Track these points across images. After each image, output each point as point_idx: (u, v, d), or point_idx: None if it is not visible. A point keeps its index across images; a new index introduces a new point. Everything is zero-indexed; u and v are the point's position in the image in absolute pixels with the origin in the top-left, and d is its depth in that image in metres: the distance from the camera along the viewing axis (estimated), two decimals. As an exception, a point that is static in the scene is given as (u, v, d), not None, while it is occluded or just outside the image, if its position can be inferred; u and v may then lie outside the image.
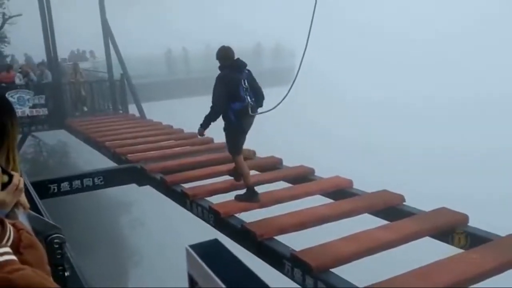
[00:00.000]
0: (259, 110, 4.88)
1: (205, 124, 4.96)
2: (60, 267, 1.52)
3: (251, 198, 4.95)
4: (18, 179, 1.24)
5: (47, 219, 1.67)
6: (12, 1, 15.33)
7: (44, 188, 6.29)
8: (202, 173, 6.26)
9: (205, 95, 5.38)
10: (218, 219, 4.77)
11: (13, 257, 0.76)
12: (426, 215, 4.47)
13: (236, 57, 4.83)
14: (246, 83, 4.73)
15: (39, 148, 17.61)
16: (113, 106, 12.78)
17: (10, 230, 0.86)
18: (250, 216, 4.75)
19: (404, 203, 4.86)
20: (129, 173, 6.93)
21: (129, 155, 7.51)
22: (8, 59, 15.85)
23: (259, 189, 5.52)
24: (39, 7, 11.57)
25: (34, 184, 6.49)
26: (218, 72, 4.77)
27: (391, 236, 3.98)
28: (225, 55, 4.79)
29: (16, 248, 0.85)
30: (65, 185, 6.40)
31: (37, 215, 1.49)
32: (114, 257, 11.95)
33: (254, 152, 7.13)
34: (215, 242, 1.16)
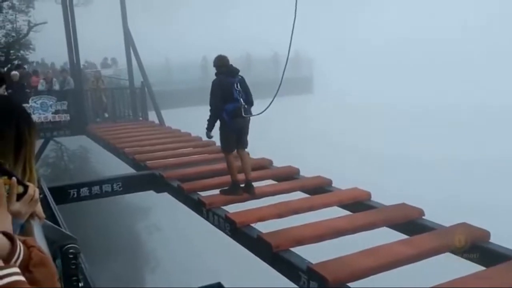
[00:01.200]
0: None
1: (210, 127, 5.49)
2: (74, 278, 1.52)
3: (234, 192, 5.45)
4: (34, 190, 1.24)
5: (63, 229, 1.68)
6: (37, 9, 15.74)
7: (64, 193, 6.40)
8: (220, 181, 6.24)
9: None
10: (234, 228, 4.75)
11: (21, 277, 0.76)
12: (447, 230, 4.37)
13: (233, 64, 5.46)
14: (238, 86, 5.28)
15: (61, 153, 17.94)
16: (133, 113, 12.94)
17: (20, 248, 0.86)
18: (268, 226, 4.72)
19: (423, 217, 4.76)
20: (147, 179, 6.99)
21: (147, 161, 7.58)
22: (34, 64, 16.22)
23: (275, 199, 5.50)
24: (63, 15, 11.82)
25: (54, 189, 6.64)
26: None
27: (411, 251, 3.89)
28: (220, 63, 5.42)
29: (25, 267, 0.84)
30: (84, 191, 6.50)
31: (53, 224, 1.49)
32: (131, 262, 12.04)
33: (270, 162, 7.11)
34: (218, 285, 1.14)
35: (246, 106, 5.25)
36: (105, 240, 11.75)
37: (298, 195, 5.90)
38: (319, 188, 5.92)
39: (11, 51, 15.93)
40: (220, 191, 5.65)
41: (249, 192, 5.47)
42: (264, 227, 4.70)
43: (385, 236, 4.52)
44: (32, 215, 1.29)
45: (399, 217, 4.77)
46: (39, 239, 1.22)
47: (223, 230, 4.97)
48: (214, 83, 5.36)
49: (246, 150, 5.64)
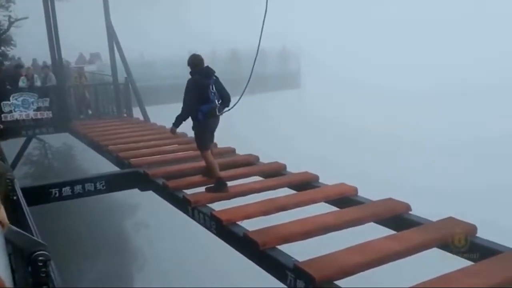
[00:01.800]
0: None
1: (177, 123, 5.66)
2: (45, 286, 1.42)
3: (220, 189, 5.44)
4: (-6, 196, 1.15)
5: (33, 234, 1.58)
6: (18, 4, 15.39)
7: (45, 193, 6.24)
8: (205, 179, 6.15)
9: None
10: (220, 226, 4.67)
11: None
12: (434, 224, 4.35)
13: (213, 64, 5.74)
14: (213, 88, 5.38)
15: (44, 150, 17.65)
16: (117, 110, 12.74)
17: None
18: (254, 224, 4.64)
19: (410, 211, 4.73)
20: (131, 177, 6.86)
21: (132, 159, 7.44)
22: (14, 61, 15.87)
23: (263, 195, 5.44)
24: (44, 10, 11.55)
25: (35, 188, 6.49)
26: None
27: (398, 246, 3.85)
28: (195, 62, 5.47)
29: None
30: (66, 190, 6.35)
31: (20, 230, 1.39)
32: (119, 260, 11.92)
33: (257, 158, 7.04)
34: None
35: (220, 106, 5.43)
36: (92, 238, 11.59)
37: (285, 191, 5.86)
38: (306, 184, 5.86)
39: (-9, 47, 15.59)
40: (206, 188, 5.62)
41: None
42: (250, 225, 4.63)
43: (372, 231, 4.48)
44: (-6, 222, 1.20)
45: (385, 212, 4.74)
46: (2, 247, 1.13)
47: (209, 228, 4.89)
48: (189, 83, 5.41)
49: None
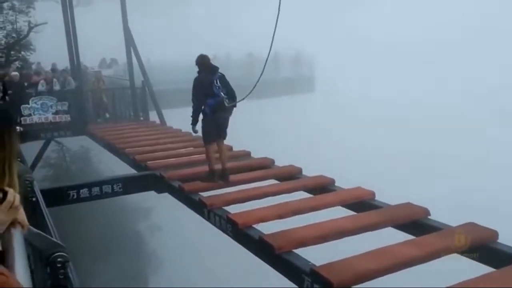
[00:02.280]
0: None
1: (194, 121, 5.91)
2: (63, 288, 1.43)
3: (211, 179, 5.96)
4: (14, 196, 1.15)
5: (50, 236, 1.59)
6: (38, 10, 15.67)
7: (63, 195, 6.31)
8: (220, 183, 6.15)
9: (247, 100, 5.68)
10: (235, 229, 4.66)
11: None
12: (453, 230, 4.26)
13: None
14: (218, 82, 5.71)
15: (62, 153, 17.91)
16: (134, 113, 12.85)
17: None
18: (270, 227, 4.61)
19: (429, 216, 4.65)
20: (148, 180, 6.90)
21: (148, 162, 7.49)
22: (34, 66, 16.18)
23: (278, 199, 5.41)
24: (63, 15, 11.75)
25: (53, 191, 6.57)
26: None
27: (417, 252, 3.78)
28: (202, 62, 5.82)
29: None
30: (84, 192, 6.42)
31: (40, 232, 1.40)
32: (133, 262, 11.98)
33: (272, 161, 7.02)
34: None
35: (227, 100, 5.67)
36: (106, 240, 11.69)
37: (301, 195, 5.82)
38: (322, 188, 5.82)
39: (12, 52, 15.88)
40: (199, 179, 6.07)
41: (224, 180, 5.98)
42: (266, 228, 4.60)
43: (390, 236, 4.42)
44: (14, 223, 1.20)
45: (404, 217, 4.67)
46: (20, 249, 1.13)
47: (225, 231, 4.88)
48: (195, 81, 5.79)
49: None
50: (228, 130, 6.04)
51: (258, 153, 7.66)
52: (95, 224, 11.81)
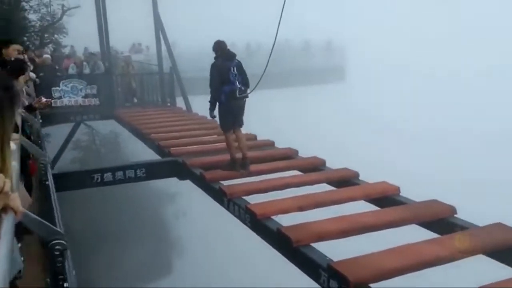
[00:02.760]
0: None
1: (212, 107, 5.85)
2: (60, 277, 1.39)
3: (233, 168, 5.87)
4: (4, 182, 1.10)
5: (56, 222, 1.55)
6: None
7: (88, 178, 6.40)
8: (242, 172, 6.09)
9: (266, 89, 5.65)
10: (254, 220, 4.59)
11: None
12: (481, 230, 4.07)
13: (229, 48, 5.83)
14: (235, 69, 5.63)
15: (92, 137, 18.29)
16: (161, 99, 12.92)
17: None
18: (290, 219, 4.52)
19: (455, 215, 4.46)
20: (170, 166, 6.92)
21: (172, 148, 7.50)
22: (67, 49, 16.48)
23: (299, 190, 5.31)
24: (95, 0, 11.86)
25: (78, 173, 6.68)
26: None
27: (441, 251, 3.62)
28: (219, 47, 5.74)
29: None
30: (108, 176, 6.49)
31: (39, 218, 1.35)
32: (157, 247, 12.13)
33: (296, 152, 6.91)
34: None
35: (242, 88, 5.64)
36: (130, 225, 11.86)
37: (324, 187, 5.69)
38: (345, 181, 5.68)
39: (46, 35, 16.20)
40: (221, 168, 6.00)
41: (245, 169, 5.90)
42: (286, 220, 4.51)
43: (414, 234, 4.26)
44: (5, 209, 1.15)
45: (429, 214, 4.49)
46: (8, 237, 1.08)
47: (244, 221, 4.82)
48: (212, 67, 5.73)
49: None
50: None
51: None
52: (117, 210, 11.99)
